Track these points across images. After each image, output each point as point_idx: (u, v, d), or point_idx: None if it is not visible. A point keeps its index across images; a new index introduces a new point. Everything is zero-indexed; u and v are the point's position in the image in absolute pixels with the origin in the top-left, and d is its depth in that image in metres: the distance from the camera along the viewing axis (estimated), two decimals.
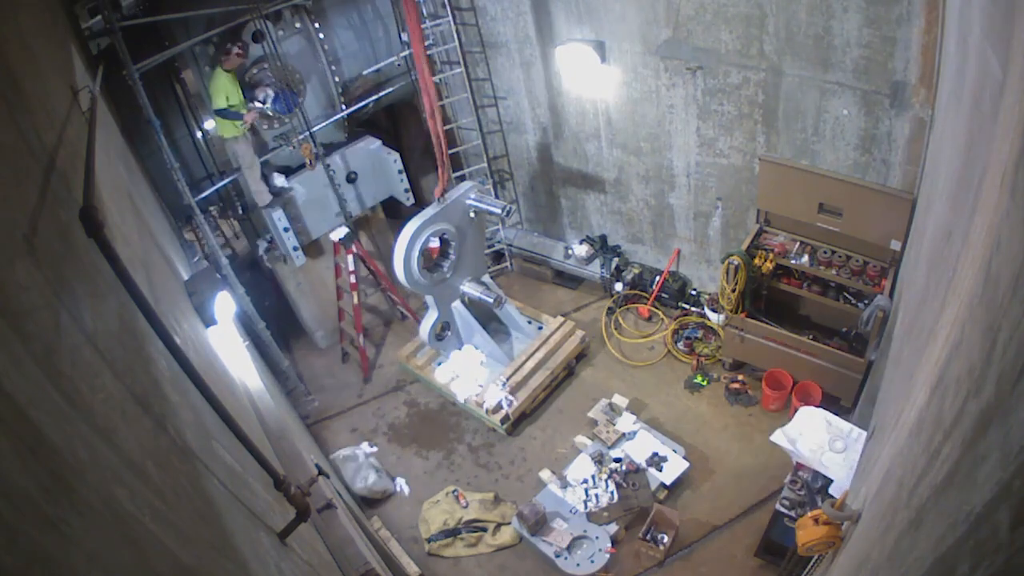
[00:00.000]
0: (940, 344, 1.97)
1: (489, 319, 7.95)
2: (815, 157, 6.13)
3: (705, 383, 7.44)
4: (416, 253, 6.78)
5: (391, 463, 7.41)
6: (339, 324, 8.51)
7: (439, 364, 7.95)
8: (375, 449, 7.47)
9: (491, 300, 7.43)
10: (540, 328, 8.04)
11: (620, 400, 7.29)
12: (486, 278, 7.80)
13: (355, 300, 8.00)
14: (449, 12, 7.54)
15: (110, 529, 1.31)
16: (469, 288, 7.54)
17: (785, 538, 5.35)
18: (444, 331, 7.73)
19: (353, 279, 7.91)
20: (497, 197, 8.81)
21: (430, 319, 7.54)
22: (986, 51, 2.31)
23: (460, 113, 8.52)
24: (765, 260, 6.41)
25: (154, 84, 6.12)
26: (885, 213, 5.64)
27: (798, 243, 6.46)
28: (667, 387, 7.59)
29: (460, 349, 7.96)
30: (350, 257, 7.80)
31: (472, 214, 7.10)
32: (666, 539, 6.06)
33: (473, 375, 7.68)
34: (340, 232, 7.67)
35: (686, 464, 6.57)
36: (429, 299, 7.46)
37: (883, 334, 5.64)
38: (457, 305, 7.65)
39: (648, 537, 6.05)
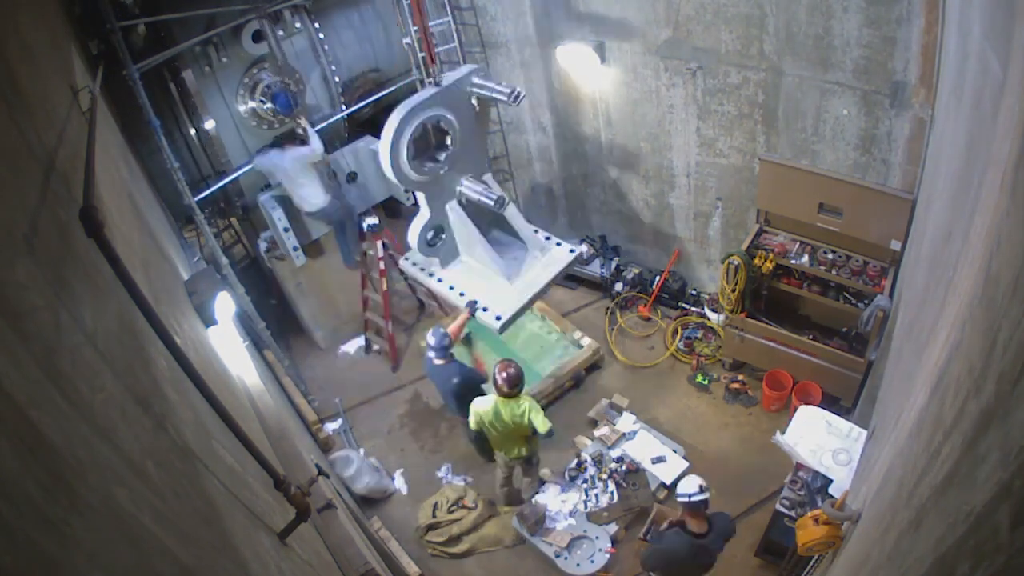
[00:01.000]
0: (940, 344, 1.97)
1: (490, 227, 6.83)
2: (815, 157, 6.13)
3: (706, 383, 7.44)
4: (405, 139, 5.65)
5: (392, 462, 7.41)
6: (364, 314, 8.52)
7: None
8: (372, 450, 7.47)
9: (492, 201, 6.13)
10: (548, 239, 6.68)
11: (621, 400, 7.29)
12: (487, 177, 6.56)
13: (384, 286, 7.98)
14: (449, 12, 7.54)
15: (110, 529, 1.31)
16: (468, 187, 6.29)
17: (785, 538, 5.34)
18: (437, 237, 6.59)
19: (382, 265, 7.88)
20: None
21: (420, 220, 6.34)
22: (986, 51, 2.31)
23: None
24: (765, 260, 6.42)
25: (154, 84, 6.12)
26: (885, 213, 5.64)
27: (798, 243, 6.46)
28: (667, 387, 7.60)
29: (456, 258, 6.72)
30: (379, 244, 7.81)
31: (474, 101, 5.96)
32: None
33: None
34: (371, 220, 7.67)
35: (686, 464, 6.57)
36: (421, 198, 6.33)
37: (883, 334, 5.64)
38: (453, 205, 6.44)
39: (648, 537, 6.05)
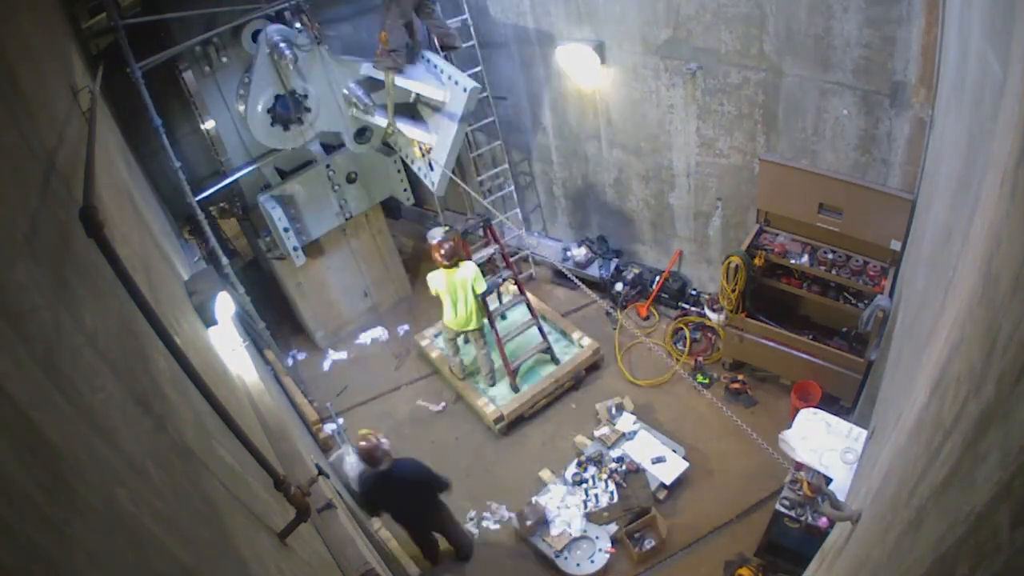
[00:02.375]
0: (940, 344, 1.97)
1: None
2: (815, 157, 6.13)
3: (706, 382, 7.44)
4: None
5: None
6: None
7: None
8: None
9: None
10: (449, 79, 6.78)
11: (628, 402, 7.28)
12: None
13: None
14: (467, 10, 7.52)
15: (110, 529, 1.31)
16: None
17: (785, 538, 5.35)
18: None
19: None
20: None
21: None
22: (986, 51, 2.31)
23: (473, 116, 8.38)
24: (762, 259, 6.43)
25: (153, 84, 6.12)
26: (885, 213, 5.64)
27: (798, 243, 6.46)
28: (667, 387, 7.60)
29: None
30: None
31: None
32: (650, 544, 6.07)
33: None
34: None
35: (686, 464, 6.57)
36: None
37: (883, 334, 5.64)
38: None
39: (635, 536, 6.08)
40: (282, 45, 6.29)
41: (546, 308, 8.41)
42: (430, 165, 7.10)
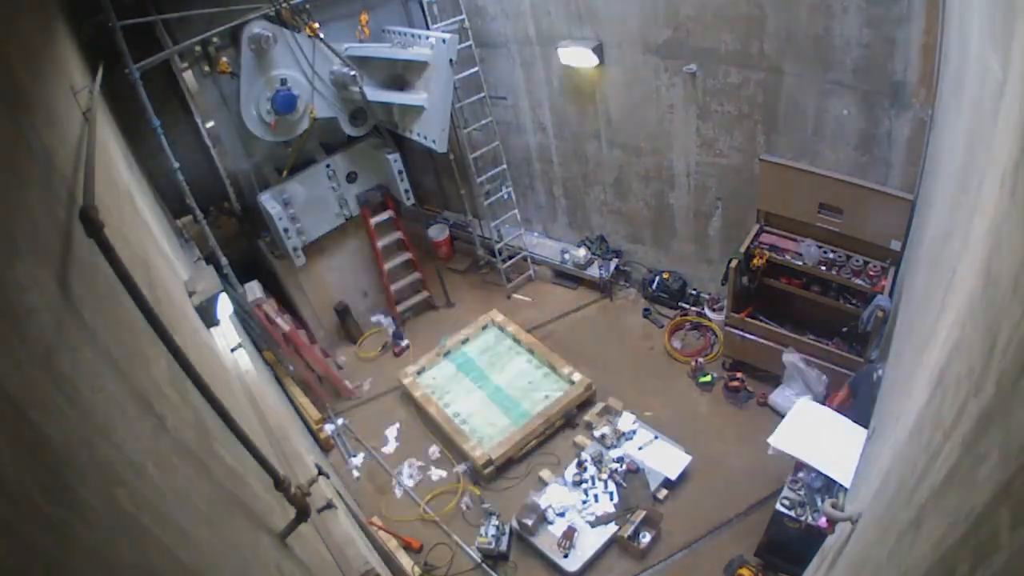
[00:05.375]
0: (940, 344, 1.97)
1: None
2: (815, 157, 6.13)
3: (708, 380, 7.44)
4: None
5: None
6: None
7: None
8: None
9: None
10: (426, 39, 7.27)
11: (615, 402, 7.26)
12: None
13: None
14: (464, 11, 7.51)
15: (110, 529, 1.31)
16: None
17: (785, 538, 5.35)
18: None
19: None
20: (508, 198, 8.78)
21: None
22: (986, 51, 2.31)
23: (472, 117, 8.40)
24: (763, 259, 6.43)
25: (153, 84, 6.13)
26: (885, 213, 5.64)
27: (798, 243, 6.46)
28: (667, 387, 7.59)
29: None
30: None
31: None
32: (647, 538, 6.07)
33: None
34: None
35: (688, 459, 6.57)
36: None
37: (883, 334, 5.64)
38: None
39: (630, 535, 6.07)
40: (261, 32, 6.45)
41: (536, 341, 7.95)
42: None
